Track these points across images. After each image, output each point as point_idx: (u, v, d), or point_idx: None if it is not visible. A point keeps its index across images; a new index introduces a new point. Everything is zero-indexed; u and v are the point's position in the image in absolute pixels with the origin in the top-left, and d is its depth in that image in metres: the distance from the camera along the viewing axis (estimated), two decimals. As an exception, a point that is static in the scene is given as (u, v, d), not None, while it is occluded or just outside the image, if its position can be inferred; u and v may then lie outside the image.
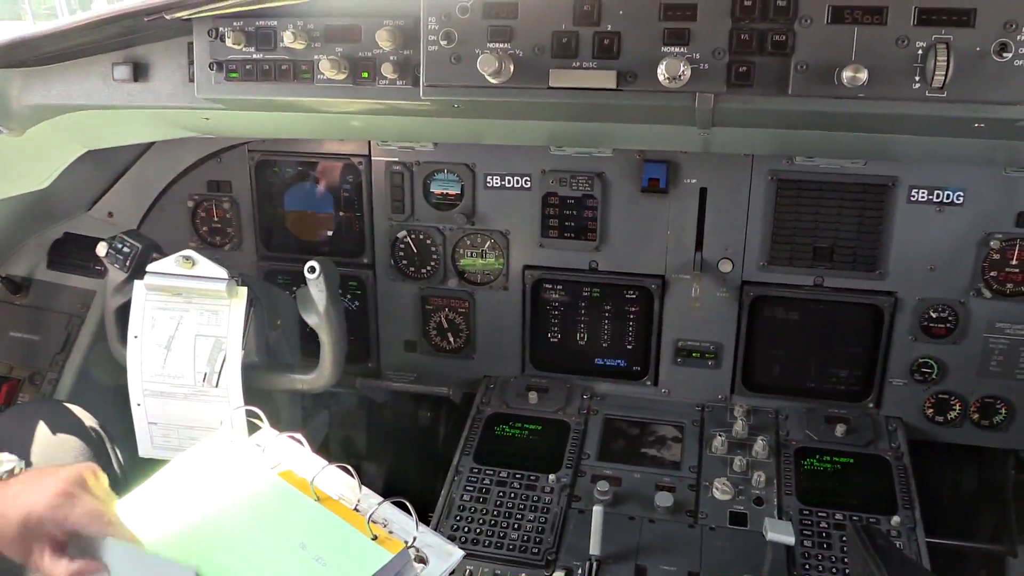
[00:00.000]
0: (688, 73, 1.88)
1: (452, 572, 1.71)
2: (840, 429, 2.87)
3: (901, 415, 2.98)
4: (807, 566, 2.43)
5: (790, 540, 2.22)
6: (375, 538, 1.69)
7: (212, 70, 2.25)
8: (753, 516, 2.58)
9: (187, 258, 2.54)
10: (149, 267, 2.60)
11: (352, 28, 2.15)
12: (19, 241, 3.12)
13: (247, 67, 2.23)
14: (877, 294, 2.89)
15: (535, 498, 2.68)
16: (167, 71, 2.37)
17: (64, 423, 2.42)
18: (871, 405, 3.00)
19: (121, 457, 2.55)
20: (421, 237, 3.19)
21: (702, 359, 3.08)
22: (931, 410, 2.98)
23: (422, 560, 1.68)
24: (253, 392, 2.60)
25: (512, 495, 2.70)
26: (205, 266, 2.54)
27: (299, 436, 1.92)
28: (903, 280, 2.86)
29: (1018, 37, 1.78)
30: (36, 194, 2.78)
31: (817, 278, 2.92)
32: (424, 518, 1.86)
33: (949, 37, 1.80)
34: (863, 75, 1.81)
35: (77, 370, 3.05)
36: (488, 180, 3.05)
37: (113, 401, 2.77)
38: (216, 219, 3.32)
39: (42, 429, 2.36)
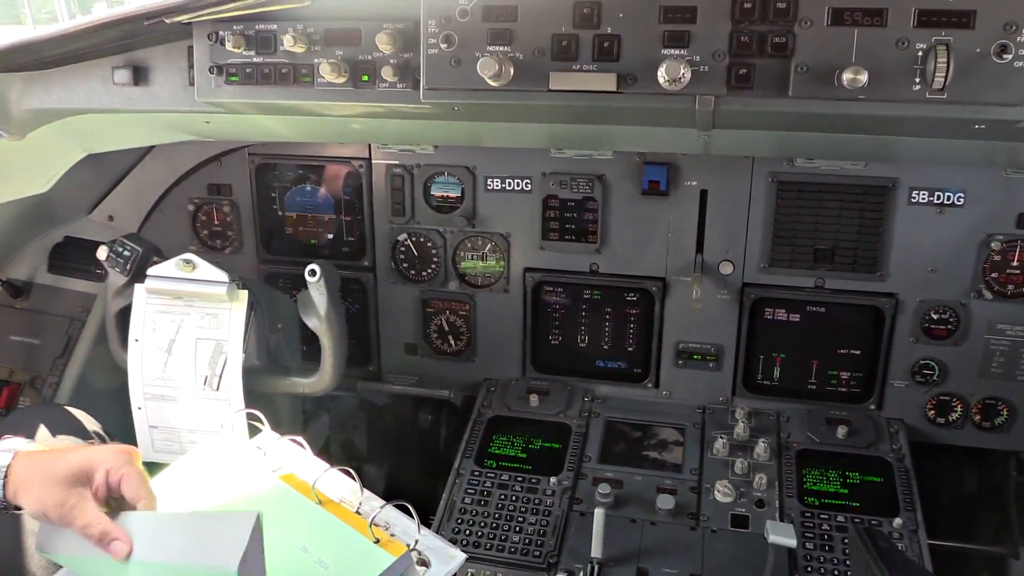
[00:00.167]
0: (688, 75, 1.88)
1: (454, 575, 1.71)
2: (841, 431, 2.86)
3: (902, 417, 2.98)
4: (809, 568, 2.43)
5: (792, 542, 2.21)
6: (377, 541, 1.68)
7: (212, 74, 2.25)
8: (755, 518, 2.57)
9: (188, 261, 2.55)
10: (150, 271, 2.60)
11: (352, 31, 2.15)
12: (20, 245, 3.13)
13: (247, 71, 2.23)
14: (878, 296, 2.89)
15: (536, 501, 2.68)
16: (167, 75, 2.37)
17: (65, 427, 2.41)
18: (872, 407, 3.00)
19: (122, 460, 2.54)
20: (422, 240, 3.19)
21: (703, 361, 3.08)
22: (932, 412, 2.98)
23: (424, 563, 1.68)
24: (254, 395, 2.60)
25: (513, 498, 2.70)
26: (206, 269, 2.55)
27: (300, 439, 1.92)
28: (904, 282, 2.86)
29: (1018, 38, 1.78)
30: (37, 198, 2.78)
31: (818, 280, 2.92)
32: (426, 521, 1.85)
33: (949, 39, 1.80)
34: (863, 77, 1.81)
35: (78, 374, 3.05)
36: (488, 183, 3.05)
37: (114, 405, 2.77)
38: (217, 222, 3.32)
39: (43, 433, 2.35)
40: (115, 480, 1.60)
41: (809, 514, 2.60)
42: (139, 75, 2.37)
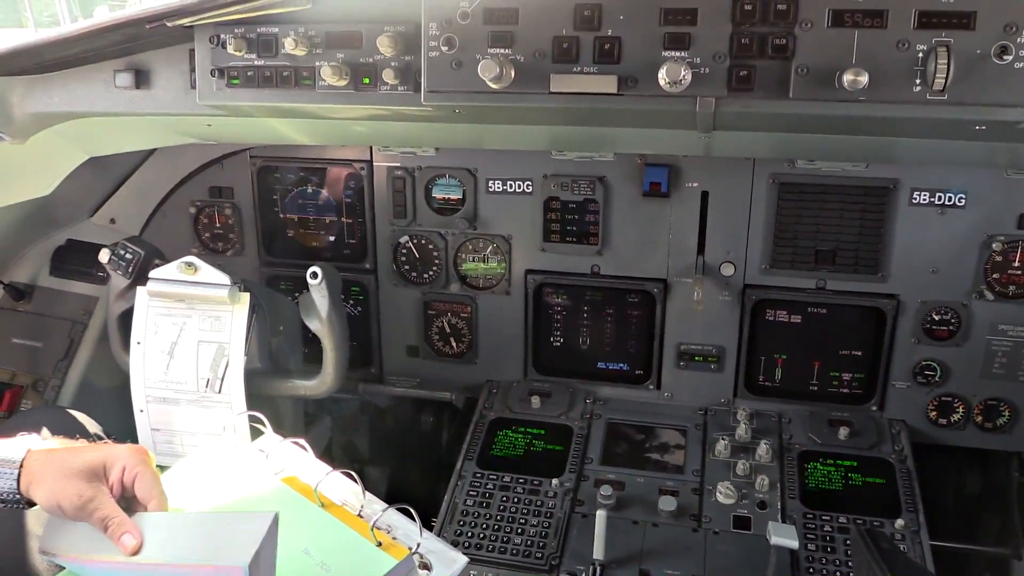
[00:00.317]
0: (689, 77, 1.88)
1: (456, 577, 1.71)
2: (843, 432, 2.86)
3: (904, 418, 2.98)
4: (811, 570, 2.42)
5: (794, 544, 2.22)
6: (379, 544, 1.68)
7: (214, 77, 2.25)
8: (757, 520, 2.57)
9: (189, 264, 2.55)
10: (151, 273, 2.60)
11: (353, 34, 2.16)
12: (22, 248, 3.13)
13: (248, 74, 2.23)
14: (879, 297, 2.89)
15: (538, 503, 2.68)
16: (169, 78, 2.37)
17: (67, 429, 2.41)
18: (874, 408, 3.00)
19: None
20: (423, 242, 3.19)
21: (705, 363, 3.08)
22: (934, 413, 2.98)
23: (426, 566, 1.68)
24: (256, 398, 2.60)
25: (515, 500, 2.70)
26: (207, 272, 2.55)
27: (302, 442, 1.92)
28: (905, 283, 2.86)
29: (1018, 39, 1.78)
30: (39, 201, 2.78)
31: (819, 281, 2.92)
32: (427, 524, 1.86)
33: (949, 40, 1.80)
34: (864, 78, 1.81)
35: (80, 376, 3.06)
36: (490, 185, 3.05)
37: (116, 407, 2.77)
38: (218, 225, 3.33)
39: (45, 435, 2.35)
40: (130, 478, 1.62)
41: (811, 515, 2.60)
42: (141, 78, 2.38)
